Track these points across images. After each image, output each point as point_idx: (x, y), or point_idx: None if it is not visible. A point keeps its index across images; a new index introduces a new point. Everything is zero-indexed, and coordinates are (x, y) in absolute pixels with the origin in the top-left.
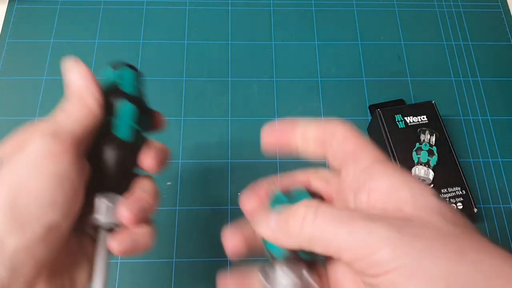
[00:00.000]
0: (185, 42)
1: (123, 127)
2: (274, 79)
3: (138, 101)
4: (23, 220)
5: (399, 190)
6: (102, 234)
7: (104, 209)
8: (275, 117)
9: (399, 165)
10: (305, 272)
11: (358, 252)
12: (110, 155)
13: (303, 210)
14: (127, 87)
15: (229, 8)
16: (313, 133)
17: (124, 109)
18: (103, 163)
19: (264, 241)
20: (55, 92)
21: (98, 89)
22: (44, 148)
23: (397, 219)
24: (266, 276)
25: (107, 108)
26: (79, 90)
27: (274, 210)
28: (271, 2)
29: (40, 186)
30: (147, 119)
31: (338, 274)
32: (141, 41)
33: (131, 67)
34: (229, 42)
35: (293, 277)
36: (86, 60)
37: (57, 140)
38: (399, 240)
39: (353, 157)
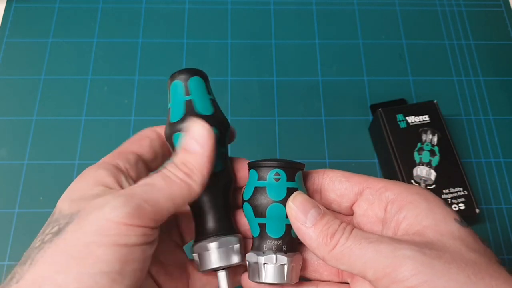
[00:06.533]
0: (184, 41)
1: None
2: (275, 78)
3: (217, 119)
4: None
5: (423, 219)
6: (222, 275)
7: (219, 254)
8: (275, 117)
9: (400, 166)
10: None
11: (382, 269)
12: (210, 196)
13: (339, 231)
14: (201, 106)
15: (229, 6)
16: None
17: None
18: (205, 207)
19: (273, 217)
20: (53, 91)
21: (210, 169)
22: (120, 217)
23: (420, 242)
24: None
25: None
26: (194, 163)
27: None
28: (271, 0)
29: (108, 256)
30: (227, 135)
31: None
32: (140, 40)
33: (197, 73)
34: (229, 41)
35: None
36: (84, 59)
37: (138, 212)
38: (420, 259)
39: (375, 191)
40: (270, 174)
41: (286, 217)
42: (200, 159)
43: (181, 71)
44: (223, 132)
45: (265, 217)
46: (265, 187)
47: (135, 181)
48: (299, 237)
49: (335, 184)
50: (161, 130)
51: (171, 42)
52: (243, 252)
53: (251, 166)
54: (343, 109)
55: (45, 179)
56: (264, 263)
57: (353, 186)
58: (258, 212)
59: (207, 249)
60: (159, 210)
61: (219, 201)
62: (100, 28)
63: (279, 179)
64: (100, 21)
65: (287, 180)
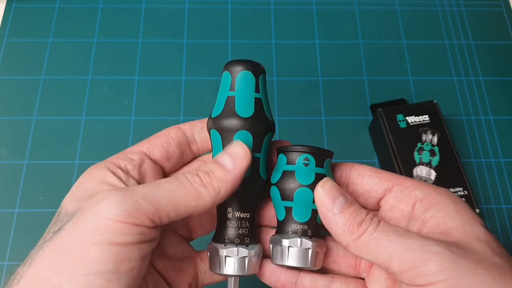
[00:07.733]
0: (185, 41)
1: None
2: (275, 78)
3: (254, 122)
4: None
5: (450, 220)
6: (233, 280)
7: (237, 263)
8: (275, 117)
9: (400, 166)
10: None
11: (408, 262)
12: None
13: (367, 221)
14: (242, 106)
15: (229, 6)
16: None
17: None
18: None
19: (301, 201)
20: (53, 91)
21: (230, 190)
22: (116, 214)
23: (447, 241)
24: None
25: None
26: (219, 176)
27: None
28: (271, 0)
29: (102, 255)
30: (266, 138)
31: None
32: (140, 40)
33: (250, 66)
34: (229, 41)
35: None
36: (84, 59)
37: (135, 210)
38: (447, 256)
39: (405, 189)
40: (300, 159)
41: (313, 202)
42: (226, 174)
43: (235, 62)
44: (258, 137)
45: (292, 200)
46: (294, 171)
47: (137, 181)
48: (324, 223)
49: (364, 179)
50: (188, 127)
51: (171, 42)
52: (259, 263)
53: (280, 150)
54: (343, 109)
55: (45, 179)
56: (289, 246)
57: (382, 182)
58: (286, 195)
59: (223, 254)
60: (158, 211)
61: (244, 207)
62: (100, 28)
63: (308, 163)
64: (100, 21)
65: (316, 166)
